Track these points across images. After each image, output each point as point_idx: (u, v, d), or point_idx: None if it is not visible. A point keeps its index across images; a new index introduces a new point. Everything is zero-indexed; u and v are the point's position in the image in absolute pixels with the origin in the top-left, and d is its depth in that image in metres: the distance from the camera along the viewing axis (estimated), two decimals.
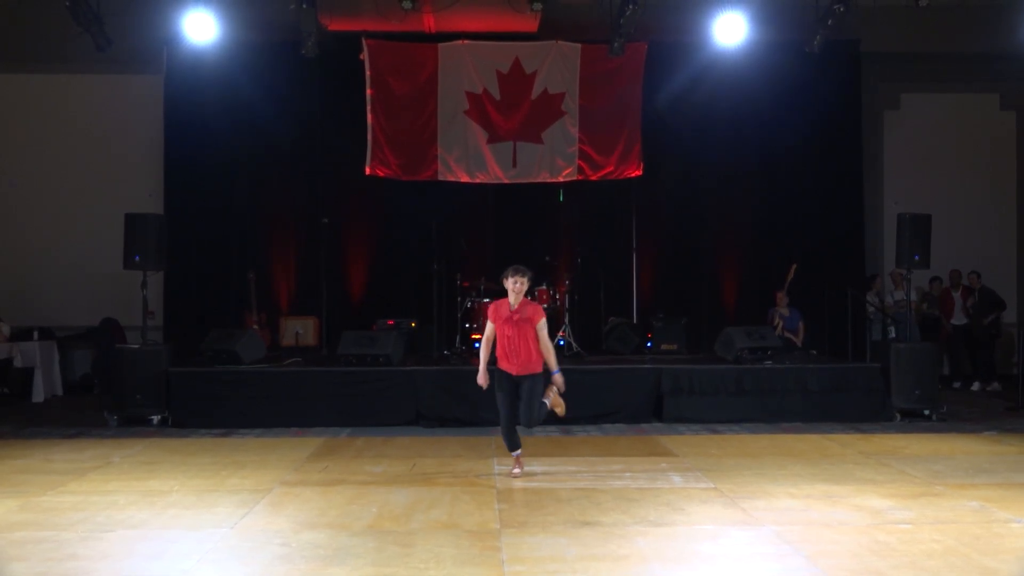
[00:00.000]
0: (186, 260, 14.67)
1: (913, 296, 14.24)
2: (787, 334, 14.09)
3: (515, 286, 8.19)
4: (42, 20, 14.43)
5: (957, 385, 15.20)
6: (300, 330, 14.84)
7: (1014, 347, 15.35)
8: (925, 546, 6.16)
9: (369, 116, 14.95)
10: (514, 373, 8.22)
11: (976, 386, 15.03)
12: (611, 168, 15.22)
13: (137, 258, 11.97)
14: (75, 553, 6.11)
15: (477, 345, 13.50)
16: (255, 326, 14.20)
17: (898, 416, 11.81)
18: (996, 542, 6.26)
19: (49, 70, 15.83)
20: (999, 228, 17.02)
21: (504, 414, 8.30)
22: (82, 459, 9.37)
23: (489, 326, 8.34)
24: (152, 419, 11.60)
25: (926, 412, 11.92)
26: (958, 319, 15.45)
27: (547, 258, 14.67)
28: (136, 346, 12.08)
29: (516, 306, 8.22)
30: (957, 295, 15.50)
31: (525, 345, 8.19)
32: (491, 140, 15.17)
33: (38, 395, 13.90)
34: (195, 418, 11.49)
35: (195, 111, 15.08)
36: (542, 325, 8.24)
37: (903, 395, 11.88)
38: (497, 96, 15.15)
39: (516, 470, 8.43)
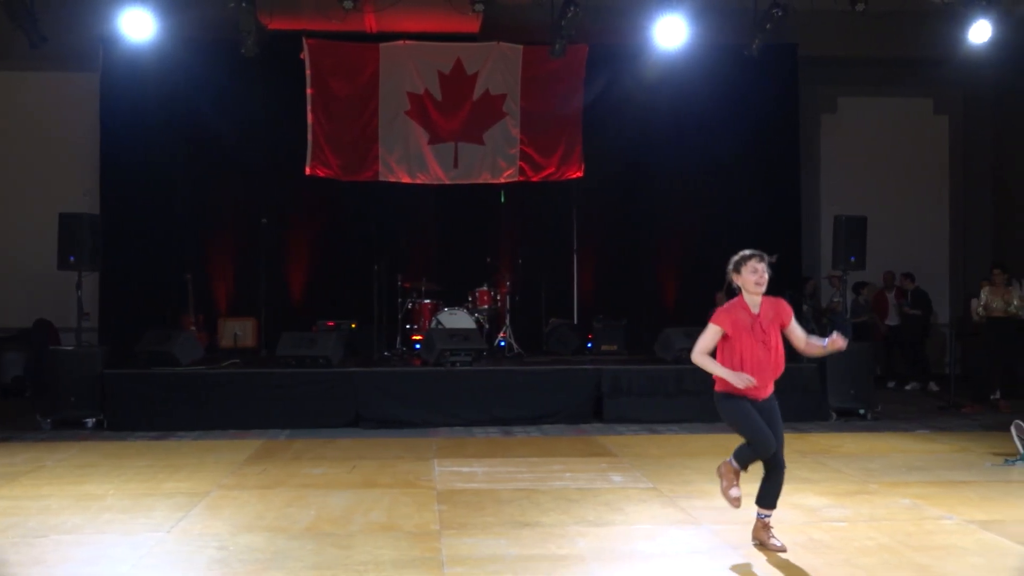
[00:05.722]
0: (122, 260, 14.41)
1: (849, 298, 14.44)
2: None
3: (756, 276, 6.01)
4: None
5: (891, 385, 15.44)
6: (239, 331, 14.70)
7: (946, 347, 15.66)
8: (860, 544, 6.26)
9: (309, 116, 14.86)
10: (762, 398, 6.09)
11: (912, 386, 15.29)
12: (552, 169, 15.26)
13: (72, 258, 11.80)
14: (6, 559, 5.99)
15: (418, 347, 13.50)
16: (192, 327, 14.03)
17: (834, 415, 11.98)
18: (928, 539, 6.37)
19: None
20: (932, 230, 17.33)
21: (767, 432, 6.11)
22: (13, 463, 9.19)
23: (712, 334, 6.06)
24: (87, 422, 11.43)
25: (861, 411, 12.11)
26: (892, 320, 15.72)
27: (488, 259, 14.71)
28: (70, 348, 11.92)
29: (759, 308, 6.06)
30: (891, 296, 15.77)
31: (775, 358, 6.06)
32: (432, 141, 15.13)
33: None
34: (131, 421, 11.32)
35: (132, 109, 14.84)
36: (795, 321, 6.14)
37: (839, 395, 12.05)
38: (438, 97, 15.12)
39: (777, 542, 6.06)
